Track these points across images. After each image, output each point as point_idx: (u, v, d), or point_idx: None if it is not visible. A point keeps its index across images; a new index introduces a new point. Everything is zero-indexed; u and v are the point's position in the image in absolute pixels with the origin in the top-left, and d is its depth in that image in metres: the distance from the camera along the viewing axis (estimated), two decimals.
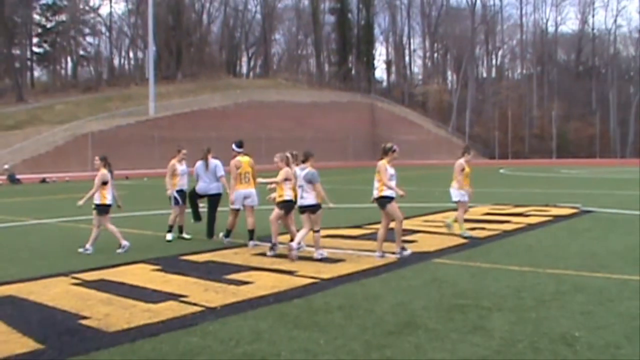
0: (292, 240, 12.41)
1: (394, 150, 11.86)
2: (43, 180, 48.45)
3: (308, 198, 11.94)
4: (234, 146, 14.46)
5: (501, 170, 55.30)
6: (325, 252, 11.89)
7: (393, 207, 11.71)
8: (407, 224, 16.14)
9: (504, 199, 22.22)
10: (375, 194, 11.76)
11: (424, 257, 11.62)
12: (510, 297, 8.40)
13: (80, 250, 12.93)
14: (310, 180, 11.90)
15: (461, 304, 8.08)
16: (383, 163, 11.70)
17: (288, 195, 12.39)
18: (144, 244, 14.19)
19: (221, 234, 14.17)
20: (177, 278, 10.03)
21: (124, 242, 13.05)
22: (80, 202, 13.10)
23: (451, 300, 8.28)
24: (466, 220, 16.32)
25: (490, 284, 9.26)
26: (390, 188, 11.63)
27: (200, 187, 15.10)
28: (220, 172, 15.14)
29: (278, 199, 12.50)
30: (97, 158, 13.62)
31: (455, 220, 14.77)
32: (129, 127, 63.32)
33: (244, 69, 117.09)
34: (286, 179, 12.31)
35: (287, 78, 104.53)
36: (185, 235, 14.98)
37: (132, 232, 15.86)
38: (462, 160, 14.85)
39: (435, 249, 12.48)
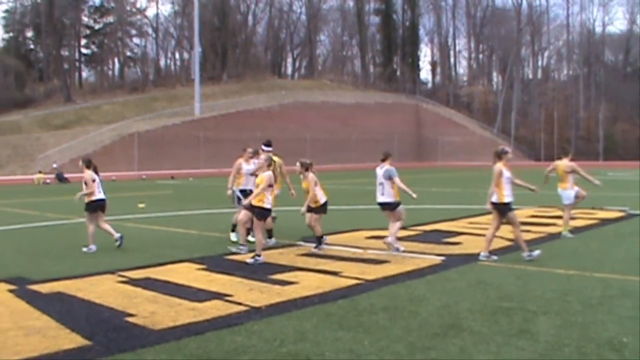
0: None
1: (506, 153, 11.91)
2: None
3: (387, 195, 12.45)
4: (262, 146, 14.59)
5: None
6: (401, 247, 12.51)
7: (514, 213, 11.75)
8: (452, 226, 16.13)
9: (549, 202, 21.96)
10: (495, 198, 11.63)
11: (469, 259, 11.57)
12: (556, 301, 8.32)
13: (118, 243, 13.39)
14: (389, 177, 12.34)
15: (506, 306, 8.03)
16: (500, 166, 11.63)
17: (268, 203, 12.03)
18: (189, 243, 14.30)
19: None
20: (222, 277, 10.10)
21: (92, 246, 13.36)
22: (76, 197, 13.83)
23: (496, 303, 8.22)
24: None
25: (536, 287, 9.18)
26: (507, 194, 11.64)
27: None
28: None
29: (256, 204, 12.02)
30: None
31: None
32: (175, 127, 63.79)
33: (289, 70, 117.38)
34: (269, 185, 12.03)
35: (332, 79, 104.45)
36: (250, 239, 14.79)
37: (177, 231, 16.01)
38: (568, 162, 14.94)
39: (480, 251, 12.40)
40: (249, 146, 15.12)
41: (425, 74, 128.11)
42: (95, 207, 13.63)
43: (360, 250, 12.66)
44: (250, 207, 12.15)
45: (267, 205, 12.01)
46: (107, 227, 13.67)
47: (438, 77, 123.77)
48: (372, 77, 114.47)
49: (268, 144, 14.69)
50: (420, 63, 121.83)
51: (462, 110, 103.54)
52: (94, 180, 13.59)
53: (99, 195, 13.64)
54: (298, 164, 13.49)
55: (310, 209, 13.08)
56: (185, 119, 66.80)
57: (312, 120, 77.11)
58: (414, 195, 12.53)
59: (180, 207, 23.02)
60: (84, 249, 13.19)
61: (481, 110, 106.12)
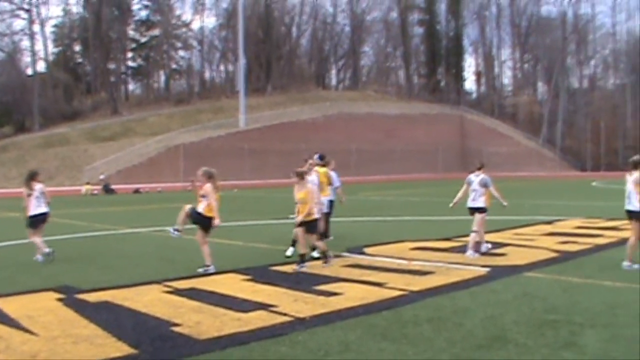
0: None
1: None
2: (136, 191, 49.53)
3: (478, 201, 13.38)
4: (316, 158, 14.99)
5: (593, 183, 54.01)
6: (475, 253, 13.11)
7: None
8: (497, 237, 15.97)
9: (596, 212, 21.73)
10: (638, 206, 11.54)
11: (515, 271, 11.43)
12: (604, 314, 8.18)
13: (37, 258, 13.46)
14: (485, 184, 13.24)
15: (552, 319, 7.93)
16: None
17: (201, 210, 12.41)
18: (235, 254, 14.36)
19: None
20: (267, 288, 10.12)
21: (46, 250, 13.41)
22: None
23: (542, 315, 8.13)
24: (557, 234, 16.05)
25: (583, 299, 9.05)
26: None
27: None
28: (336, 183, 15.34)
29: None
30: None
31: None
32: (220, 139, 64.24)
33: (333, 81, 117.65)
34: (202, 196, 12.53)
35: (376, 90, 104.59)
36: (313, 254, 13.70)
37: (222, 242, 16.07)
38: None
39: (526, 263, 12.28)
40: (310, 157, 15.07)
41: (469, 84, 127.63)
42: (31, 223, 13.68)
43: (405, 262, 12.60)
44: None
45: (208, 214, 12.43)
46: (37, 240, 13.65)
47: (482, 88, 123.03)
48: (416, 88, 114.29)
49: (320, 157, 15.12)
50: (465, 73, 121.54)
51: (507, 121, 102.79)
52: (29, 195, 13.58)
53: (33, 210, 13.59)
54: (311, 167, 14.10)
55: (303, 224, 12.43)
56: (230, 131, 67.25)
57: (357, 131, 77.12)
58: (505, 203, 14.01)
59: (225, 219, 22.99)
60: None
61: (526, 120, 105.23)
